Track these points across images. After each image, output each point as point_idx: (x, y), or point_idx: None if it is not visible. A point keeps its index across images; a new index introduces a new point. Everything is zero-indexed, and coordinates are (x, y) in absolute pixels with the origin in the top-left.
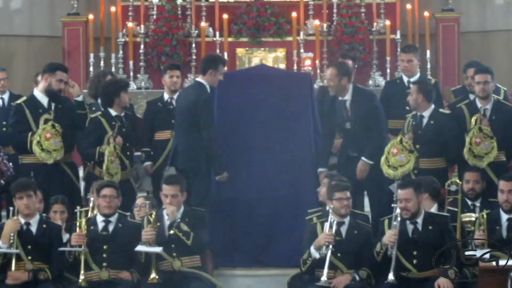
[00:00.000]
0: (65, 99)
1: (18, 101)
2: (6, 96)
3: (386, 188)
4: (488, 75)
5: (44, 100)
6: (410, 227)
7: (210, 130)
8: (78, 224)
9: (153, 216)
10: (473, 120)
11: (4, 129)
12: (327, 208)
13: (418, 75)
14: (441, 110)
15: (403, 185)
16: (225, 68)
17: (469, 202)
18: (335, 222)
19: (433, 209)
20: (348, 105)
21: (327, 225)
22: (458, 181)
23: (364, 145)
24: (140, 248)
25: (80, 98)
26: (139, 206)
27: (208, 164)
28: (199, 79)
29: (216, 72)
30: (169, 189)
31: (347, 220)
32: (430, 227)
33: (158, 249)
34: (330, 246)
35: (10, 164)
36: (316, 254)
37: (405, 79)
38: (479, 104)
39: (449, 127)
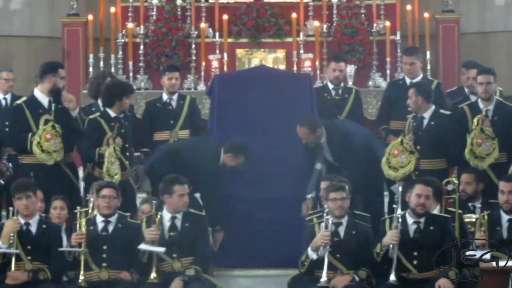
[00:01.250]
0: None
1: (18, 101)
2: (8, 97)
3: (381, 188)
4: (491, 76)
5: (44, 100)
6: (412, 227)
7: (207, 191)
8: (78, 224)
9: (158, 216)
10: (475, 121)
11: (6, 129)
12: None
13: (420, 76)
14: (441, 111)
15: (426, 182)
16: (243, 159)
17: (470, 204)
18: (330, 222)
19: (436, 210)
20: (326, 146)
21: (322, 225)
22: (455, 180)
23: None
24: (143, 246)
25: (75, 114)
26: (146, 213)
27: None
28: (220, 152)
29: (233, 158)
30: (184, 189)
31: (344, 220)
32: (431, 228)
33: (161, 249)
34: (327, 247)
35: (10, 164)
36: (313, 256)
37: (407, 80)
38: (481, 105)
39: (449, 128)
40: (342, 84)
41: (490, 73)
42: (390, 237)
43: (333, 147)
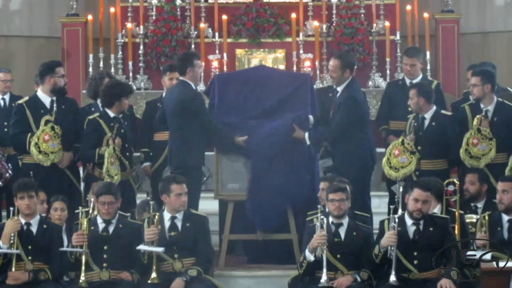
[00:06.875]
0: (70, 100)
1: (20, 101)
2: (7, 97)
3: (368, 189)
4: (478, 77)
5: (46, 100)
6: (411, 229)
7: (206, 119)
8: (80, 223)
9: (156, 217)
10: (474, 121)
11: (5, 129)
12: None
13: (420, 77)
14: (442, 111)
15: (425, 186)
16: (200, 62)
17: (472, 204)
18: (325, 222)
19: (437, 209)
20: (337, 96)
21: (318, 226)
22: (456, 181)
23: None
24: (142, 247)
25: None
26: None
27: (199, 162)
28: (182, 78)
29: (193, 67)
30: (181, 188)
31: (345, 221)
32: (431, 228)
33: (160, 249)
34: (324, 247)
35: (9, 165)
36: (310, 257)
37: (407, 80)
38: (481, 105)
39: (450, 128)
40: None
41: (479, 74)
42: (387, 239)
43: (336, 102)
